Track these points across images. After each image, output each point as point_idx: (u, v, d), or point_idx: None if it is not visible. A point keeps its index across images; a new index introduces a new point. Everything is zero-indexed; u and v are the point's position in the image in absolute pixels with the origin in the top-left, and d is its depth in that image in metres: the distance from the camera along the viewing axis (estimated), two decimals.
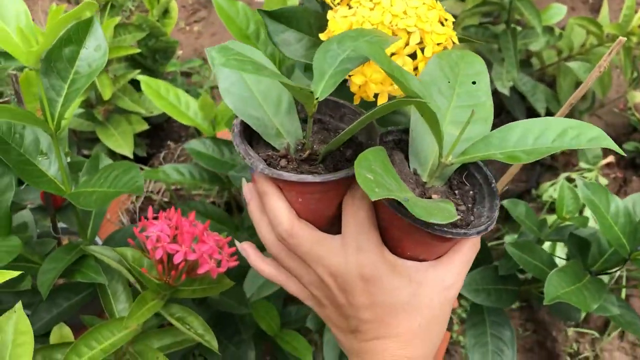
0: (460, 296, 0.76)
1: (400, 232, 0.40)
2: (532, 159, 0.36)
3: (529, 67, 1.52)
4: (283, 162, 0.41)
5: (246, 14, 0.78)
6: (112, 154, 1.22)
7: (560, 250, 1.12)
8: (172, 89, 0.92)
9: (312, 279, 0.43)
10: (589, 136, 0.35)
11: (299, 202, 0.41)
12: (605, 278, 0.69)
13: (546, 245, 1.01)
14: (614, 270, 0.65)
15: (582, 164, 1.46)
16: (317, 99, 0.38)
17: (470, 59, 0.43)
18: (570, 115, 1.47)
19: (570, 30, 1.45)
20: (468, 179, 0.44)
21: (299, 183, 0.39)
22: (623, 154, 0.37)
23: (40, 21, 1.82)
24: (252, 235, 0.89)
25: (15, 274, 0.48)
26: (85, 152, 1.28)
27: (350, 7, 0.44)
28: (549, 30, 1.39)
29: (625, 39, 0.50)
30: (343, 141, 0.40)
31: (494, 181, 0.42)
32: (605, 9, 1.42)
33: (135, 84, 1.27)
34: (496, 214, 0.40)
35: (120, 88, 1.19)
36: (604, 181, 1.46)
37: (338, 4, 0.45)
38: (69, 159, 0.85)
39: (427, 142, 0.42)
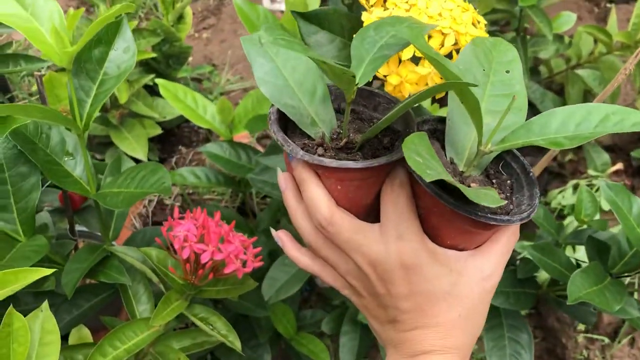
0: None
1: (441, 220, 0.40)
2: (575, 144, 0.36)
3: (537, 75, 1.53)
4: (320, 151, 0.41)
5: (267, 18, 0.79)
6: (128, 158, 1.23)
7: (572, 255, 1.12)
8: (190, 92, 0.93)
9: (350, 268, 0.43)
10: (633, 121, 0.35)
11: (337, 189, 0.41)
12: (626, 280, 0.69)
13: None
14: (634, 272, 0.66)
15: (591, 171, 1.47)
16: (357, 84, 0.38)
17: (503, 47, 0.43)
18: None
19: (578, 39, 1.46)
20: (505, 169, 0.44)
21: (340, 169, 0.39)
22: None
23: None
24: (268, 237, 0.89)
25: (49, 271, 0.48)
26: (98, 156, 1.28)
27: (385, 9, 0.45)
28: (558, 38, 1.40)
29: None
30: (381, 129, 0.40)
31: (531, 170, 0.42)
32: (613, 18, 1.44)
33: (148, 88, 1.27)
34: (537, 202, 0.40)
35: (134, 92, 1.19)
36: None
37: (372, 5, 0.46)
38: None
39: (464, 131, 0.42)
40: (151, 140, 1.33)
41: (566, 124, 0.38)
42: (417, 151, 0.33)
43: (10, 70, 0.86)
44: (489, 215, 0.37)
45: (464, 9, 0.46)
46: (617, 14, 1.90)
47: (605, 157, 1.48)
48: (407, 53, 0.44)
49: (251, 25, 0.77)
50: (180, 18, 1.20)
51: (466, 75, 0.42)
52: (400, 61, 0.44)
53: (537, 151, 1.55)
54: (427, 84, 0.45)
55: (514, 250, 1.42)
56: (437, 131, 0.44)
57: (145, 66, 1.24)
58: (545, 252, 0.69)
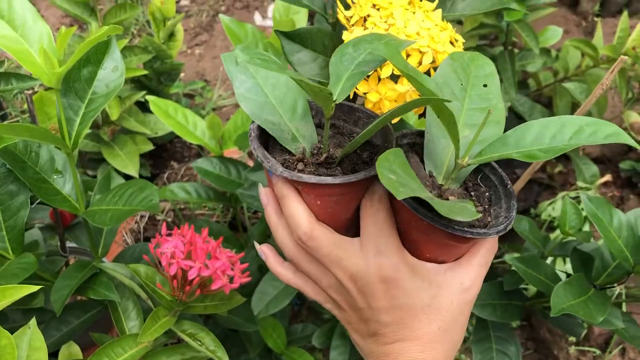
0: None
1: (420, 234, 0.41)
2: (550, 156, 0.37)
3: (525, 88, 1.55)
4: (300, 166, 0.42)
5: (255, 36, 0.80)
6: (118, 174, 1.23)
7: (562, 267, 1.13)
8: (180, 109, 0.94)
9: (331, 283, 0.44)
10: (606, 133, 0.36)
11: (317, 204, 0.42)
12: (610, 291, 0.70)
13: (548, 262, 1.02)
14: (617, 284, 0.67)
15: (580, 183, 1.48)
16: (334, 101, 0.39)
17: (481, 62, 0.44)
18: None
19: (565, 52, 1.48)
20: (483, 181, 0.44)
21: (319, 185, 0.39)
22: (639, 147, 0.37)
23: None
24: (257, 253, 0.90)
25: (34, 288, 0.49)
26: (90, 172, 1.29)
27: (365, 28, 0.46)
28: (545, 52, 1.42)
29: (627, 57, 0.52)
30: (360, 144, 0.41)
31: (509, 182, 0.43)
32: (599, 32, 1.46)
33: (140, 105, 1.28)
34: (514, 214, 0.41)
35: (125, 109, 1.20)
36: None
37: (353, 25, 0.47)
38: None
39: (442, 144, 0.43)
40: (143, 156, 1.34)
41: (541, 137, 0.38)
42: (391, 168, 0.34)
43: (2, 89, 0.87)
44: (465, 228, 0.38)
45: (442, 27, 0.47)
46: (604, 28, 1.93)
47: (594, 168, 1.49)
48: (385, 71, 0.45)
49: (239, 43, 0.78)
50: (171, 35, 1.21)
51: (444, 90, 0.43)
52: (379, 79, 0.45)
53: (527, 162, 1.57)
54: (405, 101, 0.46)
55: (504, 262, 1.43)
56: (417, 145, 0.45)
57: (137, 83, 1.26)
58: (530, 265, 0.70)
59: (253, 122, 0.43)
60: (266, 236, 0.96)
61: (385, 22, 0.45)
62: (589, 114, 1.49)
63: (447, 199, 0.41)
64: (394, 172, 0.34)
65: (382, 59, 0.41)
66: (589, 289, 0.66)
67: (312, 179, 0.39)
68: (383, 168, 0.33)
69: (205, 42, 1.98)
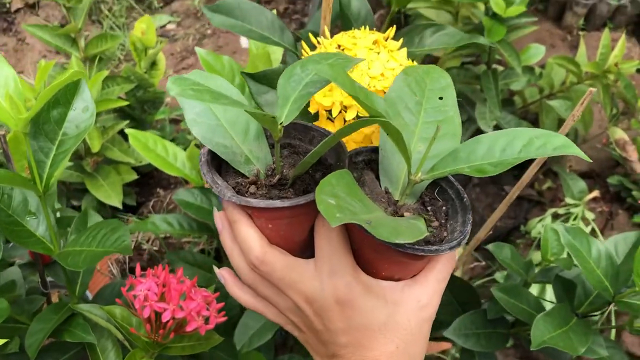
0: (449, 340, 0.76)
1: (374, 253, 0.40)
2: (499, 170, 0.36)
3: (511, 105, 1.55)
4: (252, 189, 0.41)
5: (232, 68, 0.80)
6: (102, 204, 1.23)
7: (550, 292, 1.12)
8: (160, 141, 0.94)
9: (289, 305, 0.43)
10: (555, 145, 0.36)
11: (269, 228, 0.41)
12: (594, 318, 0.69)
13: (535, 287, 1.01)
14: (599, 312, 0.66)
15: (568, 200, 1.48)
16: (281, 123, 0.38)
17: (436, 74, 0.44)
18: None
19: (550, 69, 1.48)
20: (440, 194, 0.44)
21: (267, 209, 0.39)
22: (589, 160, 0.37)
23: (29, 72, 1.84)
24: None
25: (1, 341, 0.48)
26: (75, 202, 1.28)
27: None
28: (529, 70, 1.42)
29: (595, 89, 0.52)
30: (310, 164, 0.40)
31: (465, 196, 0.42)
32: (582, 48, 1.46)
33: (124, 134, 1.28)
34: (468, 228, 0.40)
35: (109, 139, 1.20)
36: (590, 215, 1.48)
37: None
38: (58, 214, 0.86)
39: (396, 160, 0.42)
40: (128, 184, 1.33)
41: (492, 150, 0.38)
42: (333, 192, 0.33)
43: None
44: (415, 246, 0.37)
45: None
46: (589, 41, 1.94)
47: (582, 184, 1.49)
48: (350, 114, 0.44)
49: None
50: (153, 64, 1.21)
51: (398, 104, 0.42)
52: (344, 121, 0.45)
53: (514, 179, 1.57)
54: (371, 142, 0.45)
55: (495, 281, 1.41)
56: (372, 161, 0.45)
57: (121, 112, 1.25)
58: (511, 294, 0.70)
59: (204, 146, 0.42)
60: None
61: None
62: (573, 130, 1.49)
63: (403, 215, 0.41)
64: (336, 195, 0.33)
65: (328, 80, 0.40)
66: (571, 319, 0.65)
67: (261, 203, 0.38)
68: (323, 193, 0.32)
69: (192, 66, 1.98)
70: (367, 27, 0.48)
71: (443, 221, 0.42)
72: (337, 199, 0.33)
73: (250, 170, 0.43)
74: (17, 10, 2.02)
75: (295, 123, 0.45)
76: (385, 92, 0.45)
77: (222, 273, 0.48)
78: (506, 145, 0.38)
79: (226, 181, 0.42)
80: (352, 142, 0.45)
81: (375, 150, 0.44)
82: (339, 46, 0.47)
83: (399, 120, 0.41)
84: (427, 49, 0.54)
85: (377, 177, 0.43)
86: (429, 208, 0.43)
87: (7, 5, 2.02)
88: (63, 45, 1.17)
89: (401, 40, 0.48)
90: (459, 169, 0.39)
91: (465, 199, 0.42)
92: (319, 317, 0.42)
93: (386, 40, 0.48)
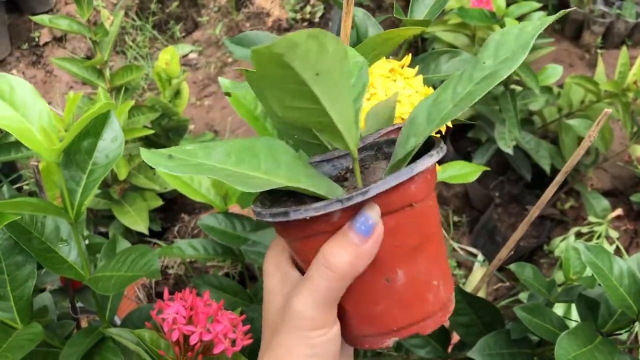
0: None
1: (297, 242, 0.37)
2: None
3: (531, 125, 1.56)
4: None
5: (254, 96, 0.82)
6: (128, 230, 1.25)
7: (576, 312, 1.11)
8: None
9: None
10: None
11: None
12: (620, 337, 0.69)
13: (560, 307, 1.01)
14: (624, 331, 0.66)
15: (591, 218, 1.47)
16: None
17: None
18: (575, 169, 1.48)
19: (568, 88, 1.49)
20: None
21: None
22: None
23: (57, 103, 1.90)
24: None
25: None
26: (102, 229, 1.31)
27: None
28: (547, 89, 1.43)
29: (611, 110, 0.53)
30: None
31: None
32: (600, 66, 1.47)
33: None
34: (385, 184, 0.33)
35: (135, 166, 1.23)
36: (614, 234, 1.46)
37: None
38: (87, 242, 0.88)
39: None
40: (154, 210, 1.36)
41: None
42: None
43: (12, 157, 0.90)
44: (292, 210, 0.33)
45: (423, 93, 0.48)
46: (607, 59, 1.94)
47: (605, 203, 1.48)
48: None
49: (239, 105, 0.80)
50: (177, 94, 1.24)
51: None
52: None
53: (536, 198, 1.57)
54: None
55: (519, 301, 1.40)
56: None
57: (146, 140, 1.28)
58: (535, 314, 0.70)
59: None
60: None
61: (368, 91, 0.47)
62: (594, 149, 1.49)
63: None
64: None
65: None
66: (595, 337, 0.65)
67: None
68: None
69: (214, 94, 2.02)
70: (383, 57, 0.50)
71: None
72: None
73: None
74: (46, 44, 2.09)
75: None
76: (402, 119, 0.46)
77: None
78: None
79: None
80: None
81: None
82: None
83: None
84: (442, 75, 0.55)
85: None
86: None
87: (36, 39, 2.09)
88: (90, 77, 1.21)
89: (417, 67, 0.50)
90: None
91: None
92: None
93: (402, 68, 0.49)
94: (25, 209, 0.57)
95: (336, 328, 0.36)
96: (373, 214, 0.32)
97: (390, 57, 0.53)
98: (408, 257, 0.35)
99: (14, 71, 1.96)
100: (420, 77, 0.49)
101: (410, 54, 0.51)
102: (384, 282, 0.35)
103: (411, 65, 0.51)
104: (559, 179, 0.57)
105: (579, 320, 0.73)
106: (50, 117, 0.58)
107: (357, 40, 0.61)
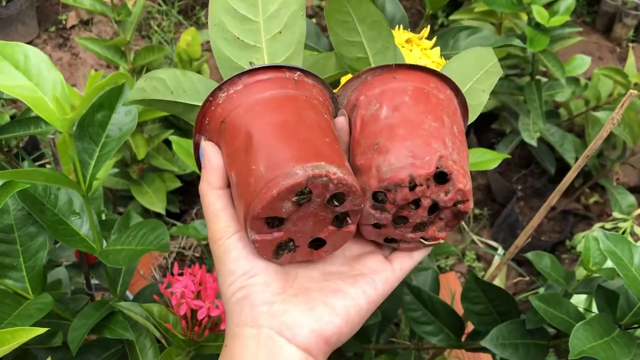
0: (486, 350, 0.74)
1: None
2: None
3: (556, 117, 1.52)
4: None
5: None
6: (146, 211, 1.26)
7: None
8: None
9: None
10: None
11: None
12: (637, 331, 0.67)
13: (581, 299, 0.98)
14: None
15: (616, 214, 1.44)
16: None
17: None
18: (601, 164, 1.44)
19: (596, 81, 1.45)
20: None
21: None
22: None
23: (81, 85, 1.91)
24: None
25: (41, 330, 0.50)
26: (121, 209, 1.32)
27: None
28: (574, 81, 1.39)
29: (636, 92, 0.51)
30: None
31: None
32: (631, 59, 1.43)
33: (169, 143, 1.31)
34: None
35: (154, 147, 1.23)
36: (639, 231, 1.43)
37: None
38: (104, 217, 0.89)
39: None
40: (172, 192, 1.36)
41: None
42: None
43: (32, 132, 0.91)
44: None
45: (439, 64, 0.47)
46: (637, 53, 1.88)
47: (631, 198, 1.45)
48: None
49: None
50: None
51: None
52: None
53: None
54: None
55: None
56: None
57: (165, 122, 1.29)
58: (551, 303, 0.68)
59: None
60: None
61: None
62: (622, 143, 1.45)
63: None
64: None
65: None
66: (613, 330, 0.63)
67: None
68: None
69: None
70: (401, 27, 0.48)
71: None
72: None
73: None
74: (72, 27, 2.11)
75: None
76: None
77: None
78: None
79: None
80: None
81: None
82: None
83: None
84: (461, 52, 0.53)
85: None
86: None
87: (64, 22, 2.11)
88: (113, 57, 1.21)
89: (434, 39, 0.48)
90: None
91: None
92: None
93: (420, 40, 0.48)
94: (37, 179, 0.57)
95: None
96: None
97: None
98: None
99: None
100: (438, 48, 0.48)
101: (429, 26, 0.49)
102: None
103: (430, 40, 0.49)
104: (580, 162, 0.55)
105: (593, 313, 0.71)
106: (64, 87, 0.57)
107: None
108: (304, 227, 0.36)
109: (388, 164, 0.36)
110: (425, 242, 0.40)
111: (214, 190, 0.39)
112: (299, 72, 0.39)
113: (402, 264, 0.40)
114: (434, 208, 0.38)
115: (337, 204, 0.35)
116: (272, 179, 0.34)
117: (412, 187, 0.36)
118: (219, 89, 0.38)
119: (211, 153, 0.39)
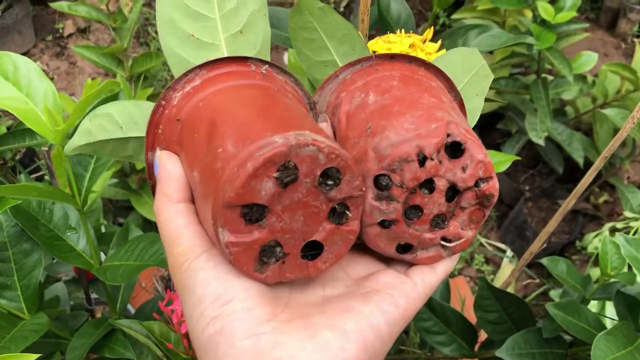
0: None
1: None
2: None
3: (563, 115, 1.50)
4: None
5: None
6: (147, 222, 1.23)
7: (611, 310, 1.06)
8: None
9: None
10: None
11: None
12: None
13: (594, 305, 0.96)
14: None
15: (627, 213, 1.41)
16: None
17: None
18: (610, 163, 1.42)
19: (603, 77, 1.42)
20: None
21: None
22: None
23: (79, 95, 1.89)
24: None
25: (34, 356, 0.47)
26: (121, 219, 1.29)
27: None
28: (581, 78, 1.36)
29: None
30: None
31: None
32: (638, 54, 1.40)
33: None
34: None
35: None
36: None
37: None
38: (103, 230, 0.86)
39: None
40: None
41: None
42: None
43: (27, 144, 0.88)
44: None
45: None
46: None
47: None
48: None
49: None
50: None
51: None
52: None
53: (567, 192, 1.51)
54: None
55: (550, 299, 1.35)
56: None
57: None
58: (568, 311, 0.65)
59: None
60: None
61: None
62: (631, 140, 1.42)
63: None
64: None
65: None
66: (635, 338, 0.60)
67: None
68: None
69: None
70: (403, 31, 0.46)
71: None
72: None
73: None
74: (70, 35, 2.09)
75: None
76: None
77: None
78: None
79: None
80: None
81: None
82: (374, 52, 0.45)
83: None
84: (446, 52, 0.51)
85: None
86: None
87: (60, 31, 2.09)
88: (110, 65, 1.19)
89: (439, 42, 0.46)
90: None
91: None
92: None
93: (424, 43, 0.45)
94: (30, 194, 0.54)
95: None
96: None
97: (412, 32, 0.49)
98: None
99: (38, 62, 1.97)
100: (444, 51, 0.45)
101: (432, 27, 0.47)
102: None
103: (436, 41, 0.47)
104: (598, 164, 0.53)
105: (614, 317, 0.68)
106: (55, 97, 0.55)
107: (379, 15, 0.57)
108: (293, 224, 0.28)
109: (387, 141, 0.29)
110: (449, 245, 0.32)
111: (172, 204, 0.31)
112: (266, 66, 0.34)
113: (424, 276, 0.32)
114: (453, 195, 0.31)
115: (331, 184, 0.28)
116: (245, 155, 0.26)
117: (422, 162, 0.29)
118: (171, 89, 0.32)
119: (167, 160, 0.32)
